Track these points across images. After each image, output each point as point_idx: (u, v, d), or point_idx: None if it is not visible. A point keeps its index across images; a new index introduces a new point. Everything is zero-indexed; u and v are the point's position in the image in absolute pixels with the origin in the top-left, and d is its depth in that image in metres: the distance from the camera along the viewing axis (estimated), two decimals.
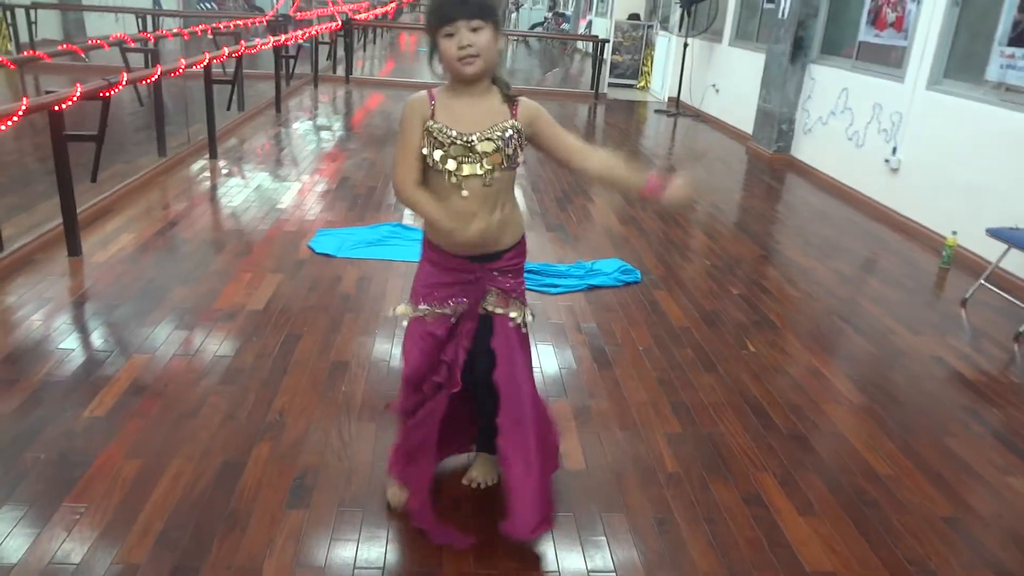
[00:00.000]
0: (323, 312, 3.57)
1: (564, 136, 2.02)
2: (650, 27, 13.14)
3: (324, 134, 7.81)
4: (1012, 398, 3.29)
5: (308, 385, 2.93)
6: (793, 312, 4.01)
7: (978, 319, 4.08)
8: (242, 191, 5.43)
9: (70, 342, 3.14)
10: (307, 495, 2.31)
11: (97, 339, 3.20)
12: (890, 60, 5.99)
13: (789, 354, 3.54)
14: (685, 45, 10.18)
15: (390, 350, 3.23)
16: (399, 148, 1.97)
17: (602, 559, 2.14)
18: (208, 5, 20.13)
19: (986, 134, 4.82)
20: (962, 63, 5.23)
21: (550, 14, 23.10)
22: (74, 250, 4.01)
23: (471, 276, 2.06)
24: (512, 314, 2.10)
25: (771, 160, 7.72)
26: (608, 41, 11.44)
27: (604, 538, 2.23)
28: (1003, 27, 4.65)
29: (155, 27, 11.40)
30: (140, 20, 11.68)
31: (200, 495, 2.28)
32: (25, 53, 6.56)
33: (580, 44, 19.46)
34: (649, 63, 13.10)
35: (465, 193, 1.93)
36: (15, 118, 3.56)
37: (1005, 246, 4.02)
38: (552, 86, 13.22)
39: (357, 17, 11.76)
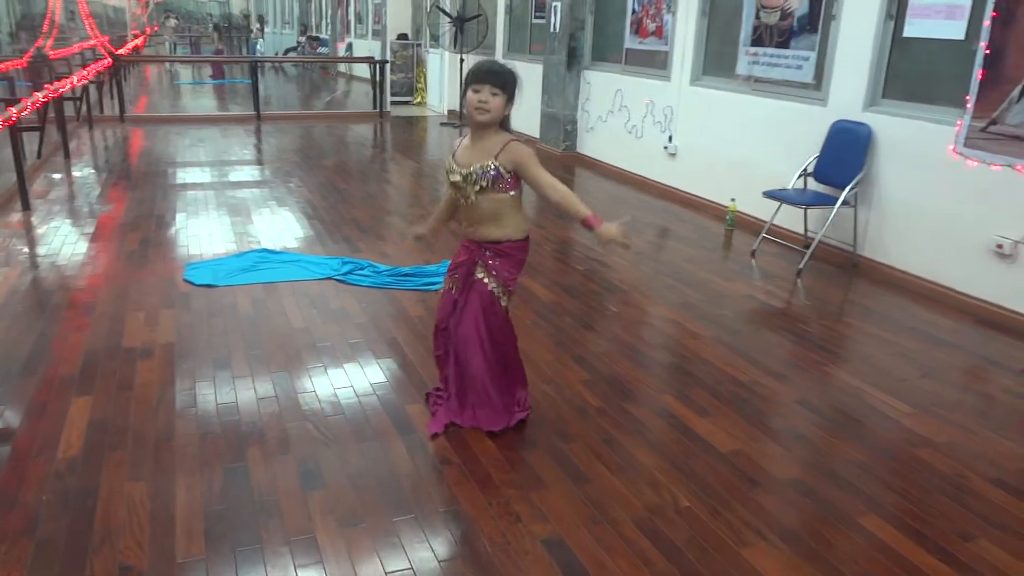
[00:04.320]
0: (237, 334, 3.78)
1: (539, 175, 2.67)
2: (419, 46, 13.83)
3: (125, 172, 7.57)
4: (809, 315, 4.31)
5: (266, 393, 3.19)
6: (630, 277, 4.81)
7: (766, 264, 5.15)
8: (73, 238, 5.29)
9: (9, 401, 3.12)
10: (317, 477, 2.64)
11: (22, 399, 3.19)
12: (655, 63, 7.10)
13: (643, 309, 4.31)
14: (461, 60, 10.96)
15: (308, 353, 3.56)
16: None
17: (575, 472, 2.70)
18: None
19: (744, 118, 5.99)
20: (717, 62, 6.41)
21: (303, 38, 22.94)
22: None
23: (468, 253, 2.82)
24: (487, 281, 2.79)
25: (561, 158, 8.68)
26: (388, 61, 11.94)
27: (571, 458, 2.79)
28: (745, 31, 5.83)
29: None
30: None
31: (222, 495, 2.52)
32: None
33: (342, 66, 19.69)
34: (423, 79, 13.78)
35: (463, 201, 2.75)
36: None
37: (777, 204, 5.11)
38: (334, 109, 13.47)
39: (118, 52, 11.22)
